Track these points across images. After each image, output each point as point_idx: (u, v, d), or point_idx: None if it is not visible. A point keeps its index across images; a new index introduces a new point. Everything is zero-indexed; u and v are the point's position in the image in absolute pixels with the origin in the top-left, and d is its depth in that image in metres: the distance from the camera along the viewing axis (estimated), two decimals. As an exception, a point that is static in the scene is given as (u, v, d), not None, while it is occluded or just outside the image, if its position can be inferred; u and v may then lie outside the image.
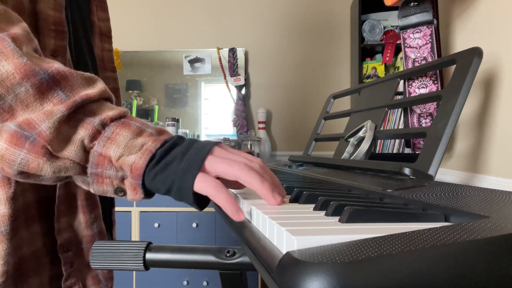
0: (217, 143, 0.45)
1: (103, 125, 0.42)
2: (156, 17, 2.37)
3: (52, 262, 0.57)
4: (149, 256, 0.53)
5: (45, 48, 0.55)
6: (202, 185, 0.40)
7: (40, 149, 0.39)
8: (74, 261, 0.59)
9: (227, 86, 2.32)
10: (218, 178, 0.43)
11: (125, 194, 0.43)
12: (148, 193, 0.43)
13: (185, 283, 1.83)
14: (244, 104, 2.30)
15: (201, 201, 0.44)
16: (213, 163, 0.42)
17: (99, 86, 0.44)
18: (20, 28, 0.43)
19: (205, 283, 1.84)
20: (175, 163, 0.41)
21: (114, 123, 0.42)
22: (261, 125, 2.27)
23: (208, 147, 0.43)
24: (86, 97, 0.42)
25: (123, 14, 2.37)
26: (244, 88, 2.32)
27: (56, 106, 0.40)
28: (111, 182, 0.42)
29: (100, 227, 0.63)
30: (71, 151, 0.40)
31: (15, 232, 0.51)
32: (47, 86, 0.41)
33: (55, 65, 0.42)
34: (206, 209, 1.84)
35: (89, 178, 0.42)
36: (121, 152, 0.41)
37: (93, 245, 0.54)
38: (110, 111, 0.43)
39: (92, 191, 0.44)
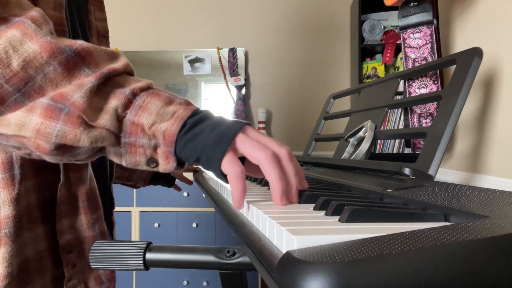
0: (248, 123, 0.44)
1: (134, 94, 0.42)
2: (156, 17, 2.37)
3: (54, 263, 0.56)
4: (149, 256, 0.53)
5: None
6: (227, 165, 0.40)
7: (76, 119, 0.39)
8: (76, 262, 0.59)
9: (227, 86, 2.32)
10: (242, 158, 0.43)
11: (157, 165, 0.43)
12: (179, 162, 0.43)
13: (185, 283, 1.83)
14: (244, 104, 2.30)
15: None
16: (243, 142, 0.41)
17: (122, 61, 0.45)
18: (35, 11, 0.43)
19: (205, 283, 1.83)
20: (205, 133, 0.41)
21: (144, 93, 0.42)
22: (261, 125, 2.27)
23: (240, 125, 0.42)
24: (113, 69, 0.42)
25: (123, 14, 2.37)
26: (244, 88, 2.32)
27: (85, 79, 0.41)
28: (144, 151, 0.42)
29: (102, 228, 0.63)
30: (105, 120, 0.40)
31: (19, 234, 0.51)
32: (73, 63, 0.41)
33: (78, 42, 0.42)
34: (206, 209, 1.84)
35: (122, 149, 0.42)
36: (153, 119, 0.41)
37: (93, 245, 0.54)
38: (137, 83, 0.43)
39: (124, 163, 0.43)
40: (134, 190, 1.84)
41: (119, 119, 0.41)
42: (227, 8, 2.37)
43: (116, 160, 0.44)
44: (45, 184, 0.56)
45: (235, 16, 2.37)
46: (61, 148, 0.41)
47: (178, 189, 1.09)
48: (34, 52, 0.40)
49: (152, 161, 0.43)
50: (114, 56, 0.45)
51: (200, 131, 0.41)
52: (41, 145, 0.40)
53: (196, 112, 0.43)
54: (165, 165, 0.42)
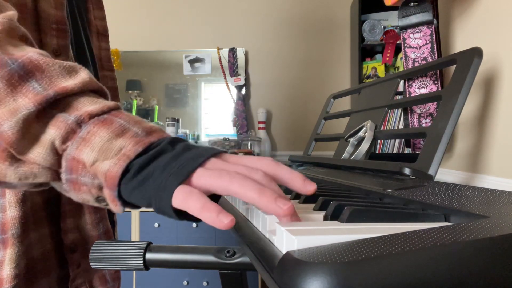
0: (218, 152, 0.36)
1: (79, 123, 0.35)
2: (156, 17, 2.37)
3: (60, 263, 0.56)
4: (149, 256, 0.53)
5: (47, 47, 0.54)
6: (178, 200, 0.32)
7: (1, 153, 0.34)
8: (81, 261, 0.59)
9: (227, 86, 2.32)
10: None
11: (107, 203, 0.37)
12: (130, 204, 0.36)
13: (185, 283, 1.83)
14: (244, 104, 2.30)
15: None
16: (201, 177, 0.33)
17: (82, 76, 0.38)
18: (2, 16, 0.39)
19: (205, 283, 1.84)
20: (154, 176, 0.33)
21: (93, 121, 0.35)
22: (261, 125, 2.27)
23: (201, 159, 0.34)
24: (62, 90, 0.36)
25: (123, 14, 2.37)
26: (244, 88, 2.32)
27: (26, 101, 0.35)
28: (88, 190, 0.36)
29: (106, 227, 0.62)
30: (38, 154, 0.35)
31: (26, 235, 0.51)
32: (18, 78, 0.35)
33: (29, 54, 0.36)
34: (206, 209, 1.84)
35: (65, 185, 0.36)
36: (95, 156, 0.34)
37: (93, 245, 0.54)
38: (91, 106, 0.36)
39: (73, 198, 0.38)
40: (134, 190, 1.84)
41: (58, 153, 0.35)
42: (227, 8, 2.37)
43: (65, 194, 0.39)
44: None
45: (235, 16, 2.37)
46: None
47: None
48: None
49: (101, 199, 0.37)
50: (72, 70, 0.38)
51: (149, 174, 0.33)
52: None
53: (150, 146, 0.35)
54: (113, 207, 0.36)
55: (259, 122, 2.27)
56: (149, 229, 1.86)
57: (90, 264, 0.53)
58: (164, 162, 0.34)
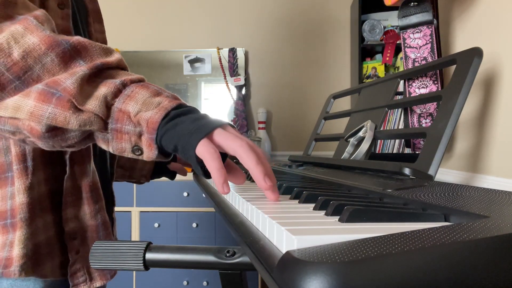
0: (230, 124, 0.47)
1: (124, 85, 0.45)
2: (156, 17, 2.37)
3: (61, 249, 0.61)
4: (149, 256, 0.53)
5: None
6: (201, 149, 0.42)
7: (66, 103, 0.42)
8: (79, 248, 0.62)
9: (227, 86, 2.32)
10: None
11: (142, 152, 0.45)
12: (162, 152, 0.45)
13: (185, 283, 1.83)
14: (244, 104, 2.30)
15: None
16: (219, 134, 0.43)
17: (116, 56, 0.48)
18: (39, 11, 0.47)
19: (205, 283, 1.84)
20: (185, 124, 0.43)
21: (134, 84, 0.45)
22: (261, 125, 2.27)
23: (220, 123, 0.45)
24: (105, 62, 0.46)
25: (123, 14, 2.37)
26: (244, 88, 2.32)
27: (79, 68, 0.44)
28: (129, 138, 0.44)
29: (103, 218, 0.66)
30: (94, 105, 0.43)
31: (32, 220, 0.56)
32: (69, 56, 0.44)
33: (75, 37, 0.46)
34: (206, 209, 1.84)
35: (109, 135, 0.45)
36: (139, 108, 0.43)
37: (93, 245, 0.54)
38: (129, 76, 0.46)
39: (111, 150, 0.46)
40: (134, 190, 1.84)
41: (108, 105, 0.44)
42: (227, 8, 2.37)
43: (103, 146, 0.47)
44: (53, 176, 0.60)
45: (235, 16, 2.37)
46: (52, 131, 0.44)
47: (184, 172, 1.05)
48: (34, 44, 0.43)
49: (137, 148, 0.45)
50: (108, 51, 0.48)
51: (181, 122, 0.43)
52: (34, 127, 0.43)
53: (181, 106, 0.45)
54: (148, 152, 0.45)
55: (259, 122, 2.27)
56: (149, 229, 1.86)
57: (90, 264, 0.53)
58: (194, 117, 0.44)
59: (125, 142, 0.45)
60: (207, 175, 0.45)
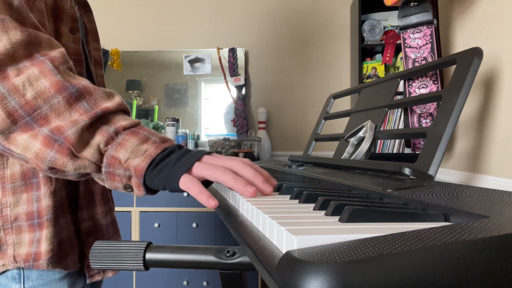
0: (209, 153, 0.53)
1: (117, 133, 0.51)
2: (156, 17, 2.37)
3: (79, 244, 0.69)
4: (149, 256, 0.53)
5: None
6: (183, 184, 0.49)
7: (65, 150, 0.49)
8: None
9: (227, 86, 2.32)
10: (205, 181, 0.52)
11: (132, 190, 0.53)
12: (150, 190, 0.52)
13: (185, 283, 1.83)
14: (244, 104, 2.30)
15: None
16: (197, 168, 0.50)
17: (117, 100, 0.54)
18: (58, 52, 0.54)
19: (205, 283, 1.84)
20: (168, 167, 0.50)
21: (126, 131, 0.52)
22: (261, 125, 2.27)
23: (197, 156, 0.52)
24: (106, 109, 0.52)
25: (124, 14, 2.37)
26: (244, 88, 2.32)
27: (81, 116, 0.50)
28: (120, 179, 0.52)
29: (112, 218, 0.77)
30: (89, 153, 0.50)
31: (57, 220, 0.64)
32: (75, 99, 0.51)
33: (83, 82, 0.52)
34: (206, 209, 1.84)
35: (104, 176, 0.52)
36: (128, 155, 0.50)
37: (93, 245, 0.54)
38: (124, 121, 0.52)
39: (107, 186, 0.54)
40: (134, 190, 1.84)
41: (101, 152, 0.51)
42: (227, 8, 2.37)
43: (100, 183, 0.55)
44: (71, 182, 0.68)
45: (235, 16, 2.37)
46: (53, 169, 0.51)
47: None
48: (45, 87, 0.50)
49: (128, 186, 0.52)
50: (110, 95, 0.54)
51: (165, 166, 0.50)
52: (39, 165, 0.51)
53: (165, 149, 0.51)
54: (137, 191, 0.52)
55: (259, 122, 2.27)
56: (149, 229, 1.86)
57: (90, 263, 0.53)
58: (174, 159, 0.51)
59: (117, 182, 0.52)
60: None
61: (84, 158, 0.50)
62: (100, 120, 0.52)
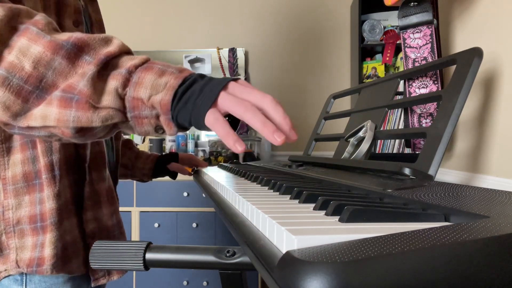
0: (234, 79, 0.48)
1: (130, 73, 0.47)
2: (156, 17, 2.37)
3: (84, 247, 0.67)
4: (149, 256, 0.53)
5: None
6: (209, 121, 0.45)
7: (84, 104, 0.45)
8: None
9: (227, 86, 2.32)
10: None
11: (164, 131, 0.49)
12: (180, 126, 0.48)
13: (185, 283, 1.83)
14: (244, 104, 2.30)
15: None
16: (224, 100, 0.46)
17: (116, 43, 0.50)
18: (39, 15, 0.49)
19: (205, 283, 1.84)
20: (192, 98, 0.46)
21: (139, 69, 0.47)
22: (261, 125, 2.26)
23: (222, 83, 0.47)
24: (109, 53, 0.48)
25: (123, 14, 2.37)
26: (244, 88, 2.31)
27: (87, 66, 0.47)
28: (149, 121, 0.48)
29: (118, 219, 0.74)
30: (109, 100, 0.46)
31: (61, 223, 0.62)
32: (74, 55, 0.47)
33: (74, 35, 0.48)
34: (206, 209, 1.84)
35: (131, 122, 0.48)
36: (149, 92, 0.46)
37: (93, 245, 0.54)
38: (132, 61, 0.48)
39: (137, 133, 0.50)
40: (134, 190, 1.84)
41: (121, 97, 0.47)
42: (227, 8, 2.37)
43: (130, 132, 0.51)
44: (75, 182, 0.66)
45: (235, 16, 2.37)
46: (81, 131, 0.47)
47: (184, 172, 1.11)
48: (40, 53, 0.46)
49: (159, 127, 0.49)
50: (108, 40, 0.50)
51: (188, 98, 0.46)
52: (65, 131, 0.47)
53: (186, 79, 0.47)
54: (168, 130, 0.48)
55: (259, 122, 2.27)
56: (149, 229, 1.86)
57: (90, 264, 0.54)
58: (198, 88, 0.46)
59: (147, 125, 0.48)
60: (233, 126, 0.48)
61: (106, 107, 0.46)
62: (107, 66, 0.48)
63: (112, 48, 0.49)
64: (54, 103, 0.46)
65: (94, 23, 0.77)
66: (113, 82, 0.46)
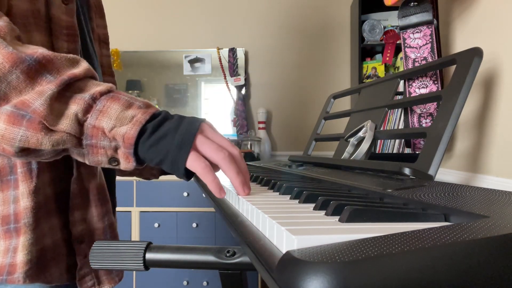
0: (203, 120, 0.48)
1: (94, 99, 0.44)
2: (156, 17, 2.37)
3: (69, 253, 0.60)
4: (149, 256, 0.53)
5: (59, 50, 0.57)
6: (194, 163, 0.44)
7: (37, 125, 0.42)
8: (87, 252, 0.61)
9: (227, 86, 2.32)
10: None
11: (118, 163, 0.46)
12: (139, 162, 0.46)
13: (185, 283, 1.83)
14: (244, 104, 2.30)
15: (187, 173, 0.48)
16: (202, 144, 0.46)
17: (83, 66, 0.47)
18: (1, 20, 0.46)
19: (205, 283, 1.83)
20: (169, 137, 0.45)
21: (104, 97, 0.45)
22: (261, 125, 2.27)
23: (197, 124, 0.46)
24: (73, 75, 0.44)
25: (123, 14, 2.37)
26: (244, 88, 2.32)
27: (46, 85, 0.43)
28: (105, 152, 0.45)
29: (110, 220, 0.66)
30: (66, 124, 0.43)
31: (37, 224, 0.55)
32: (35, 71, 0.43)
33: (39, 50, 0.44)
34: (206, 209, 1.84)
35: (85, 150, 0.45)
36: (113, 123, 0.43)
37: (93, 245, 0.54)
38: (98, 87, 0.45)
39: (87, 162, 0.46)
40: (134, 190, 1.84)
41: (80, 123, 0.44)
42: (227, 8, 2.37)
43: (79, 159, 0.47)
44: (60, 178, 0.59)
45: (235, 16, 2.37)
46: (25, 150, 0.43)
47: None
48: None
49: (114, 160, 0.46)
50: (75, 61, 0.47)
51: (163, 135, 0.45)
52: (6, 148, 0.43)
53: (154, 115, 0.46)
54: (125, 164, 0.46)
55: (259, 122, 2.27)
56: (149, 229, 1.86)
57: (90, 264, 0.53)
58: (173, 126, 0.45)
59: (101, 156, 0.45)
60: (189, 177, 0.48)
61: (60, 131, 0.43)
62: (69, 89, 0.44)
63: (77, 70, 0.46)
64: (1, 117, 0.42)
65: (93, 8, 0.73)
66: (74, 107, 0.43)
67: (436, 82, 0.84)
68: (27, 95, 0.42)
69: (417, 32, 0.88)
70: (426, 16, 0.86)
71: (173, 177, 1.73)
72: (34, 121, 0.42)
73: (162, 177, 1.09)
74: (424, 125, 0.87)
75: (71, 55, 0.47)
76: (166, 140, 0.44)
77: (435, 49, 0.86)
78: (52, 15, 0.57)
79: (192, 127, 0.46)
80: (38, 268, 0.55)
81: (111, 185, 0.77)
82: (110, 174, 0.76)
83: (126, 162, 0.45)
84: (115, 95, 0.46)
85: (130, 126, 0.44)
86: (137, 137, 0.44)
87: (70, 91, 0.44)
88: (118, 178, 0.98)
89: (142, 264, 0.53)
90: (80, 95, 0.44)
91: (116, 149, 0.45)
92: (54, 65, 0.44)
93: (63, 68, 0.45)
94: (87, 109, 0.44)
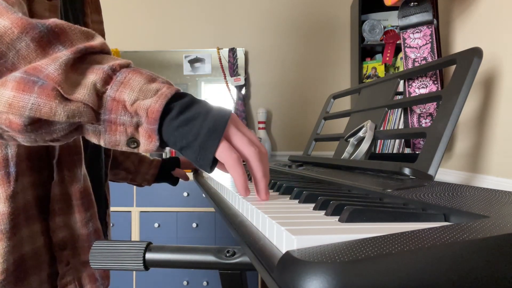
0: (231, 111, 0.44)
1: (113, 70, 0.40)
2: (156, 17, 2.37)
3: (51, 260, 0.57)
4: (149, 256, 0.53)
5: None
6: (224, 153, 0.40)
7: (50, 92, 0.37)
8: (70, 259, 0.59)
9: (227, 86, 2.32)
10: None
11: (137, 145, 0.41)
12: (162, 144, 0.41)
13: (185, 283, 1.83)
14: (244, 104, 2.30)
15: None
16: (233, 134, 0.42)
17: (99, 40, 0.43)
18: None
19: (205, 283, 1.83)
20: (199, 120, 0.40)
21: (125, 70, 0.40)
22: (261, 125, 2.27)
23: (228, 112, 0.42)
24: (89, 46, 0.41)
25: (124, 14, 2.37)
26: (244, 88, 2.32)
27: (60, 53, 0.38)
28: (124, 129, 0.40)
29: (95, 226, 0.63)
30: (83, 94, 0.38)
31: (16, 231, 0.51)
32: (47, 40, 0.39)
33: (51, 19, 0.40)
34: (206, 209, 1.84)
35: (101, 127, 0.40)
36: (136, 96, 0.39)
37: (93, 245, 0.54)
38: (116, 60, 0.41)
39: (102, 143, 0.41)
40: (134, 190, 1.84)
41: (99, 94, 0.39)
42: (227, 8, 2.37)
43: (94, 140, 0.42)
44: (40, 182, 0.56)
45: (235, 16, 2.37)
46: (35, 123, 0.38)
47: (186, 178, 1.06)
48: (5, 28, 0.37)
49: (133, 141, 0.41)
50: (89, 34, 0.43)
51: (193, 117, 0.40)
52: (14, 120, 0.38)
53: (178, 93, 0.41)
54: (147, 145, 0.40)
55: (259, 122, 2.27)
56: (149, 229, 1.86)
57: (90, 264, 0.53)
58: (204, 109, 0.41)
59: (119, 134, 0.40)
60: (213, 168, 0.43)
61: (77, 101, 0.38)
62: (84, 59, 0.40)
63: (94, 43, 0.41)
64: (9, 84, 0.37)
65: (88, 2, 0.69)
66: (92, 76, 0.39)
67: (436, 82, 0.84)
68: (39, 62, 0.38)
69: (417, 32, 0.88)
70: (426, 16, 0.86)
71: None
72: (47, 87, 0.37)
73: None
74: (424, 125, 0.87)
75: (85, 28, 0.43)
76: (196, 122, 0.40)
77: (435, 49, 0.86)
78: (34, 12, 0.53)
79: (224, 114, 0.41)
80: (15, 277, 0.51)
81: (101, 187, 0.74)
82: (99, 176, 0.73)
83: (147, 142, 0.40)
84: (136, 68, 0.42)
85: (155, 99, 0.39)
86: (162, 113, 0.39)
87: (86, 62, 0.40)
88: (118, 178, 0.97)
89: (142, 264, 0.53)
90: (97, 66, 0.39)
91: (137, 126, 0.40)
92: (68, 36, 0.40)
93: (77, 40, 0.41)
94: (107, 79, 0.39)
